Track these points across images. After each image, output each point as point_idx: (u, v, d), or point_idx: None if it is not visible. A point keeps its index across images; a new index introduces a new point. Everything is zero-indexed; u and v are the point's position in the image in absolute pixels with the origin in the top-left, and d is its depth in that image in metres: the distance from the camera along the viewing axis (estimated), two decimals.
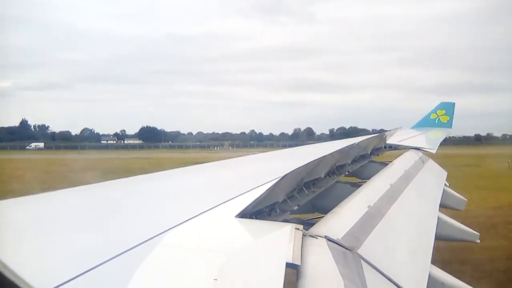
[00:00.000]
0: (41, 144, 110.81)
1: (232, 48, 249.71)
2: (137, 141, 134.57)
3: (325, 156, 5.08)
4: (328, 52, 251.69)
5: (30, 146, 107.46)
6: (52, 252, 2.33)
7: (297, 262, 2.38)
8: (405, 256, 3.88)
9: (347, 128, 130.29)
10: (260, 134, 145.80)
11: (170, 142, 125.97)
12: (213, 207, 3.34)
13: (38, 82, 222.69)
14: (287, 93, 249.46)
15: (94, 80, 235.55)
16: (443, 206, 7.10)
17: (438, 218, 5.73)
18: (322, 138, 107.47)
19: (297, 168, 4.00)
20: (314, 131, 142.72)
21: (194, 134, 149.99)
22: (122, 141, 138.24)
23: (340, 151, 6.18)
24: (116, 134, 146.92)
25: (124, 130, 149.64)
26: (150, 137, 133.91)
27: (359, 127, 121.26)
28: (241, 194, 3.79)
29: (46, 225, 2.90)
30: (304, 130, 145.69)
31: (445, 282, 4.02)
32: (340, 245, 3.02)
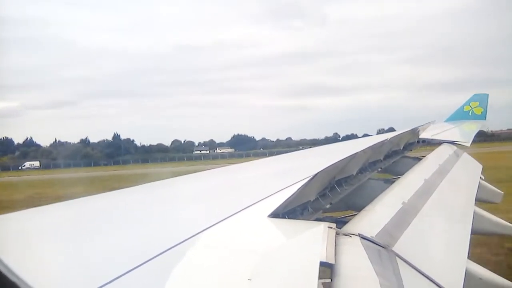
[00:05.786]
0: (37, 163, 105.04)
1: (245, 55, 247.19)
2: (229, 150, 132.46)
3: (357, 153, 5.03)
4: (343, 54, 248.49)
5: (24, 165, 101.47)
6: (94, 254, 2.40)
7: (331, 261, 2.38)
8: (441, 252, 3.81)
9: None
10: (347, 135, 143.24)
11: (261, 149, 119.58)
12: (246, 208, 3.35)
13: (46, 101, 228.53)
14: (300, 98, 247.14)
15: (105, 94, 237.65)
16: (479, 200, 6.93)
17: (474, 212, 5.60)
18: None
19: (328, 166, 3.98)
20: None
21: (282, 140, 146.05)
22: (214, 151, 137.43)
23: (372, 148, 6.11)
24: (205, 143, 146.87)
25: (212, 140, 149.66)
26: (241, 144, 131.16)
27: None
28: (273, 194, 3.80)
29: (84, 229, 2.99)
30: (387, 130, 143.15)
31: (482, 277, 3.93)
32: (374, 243, 2.99)
